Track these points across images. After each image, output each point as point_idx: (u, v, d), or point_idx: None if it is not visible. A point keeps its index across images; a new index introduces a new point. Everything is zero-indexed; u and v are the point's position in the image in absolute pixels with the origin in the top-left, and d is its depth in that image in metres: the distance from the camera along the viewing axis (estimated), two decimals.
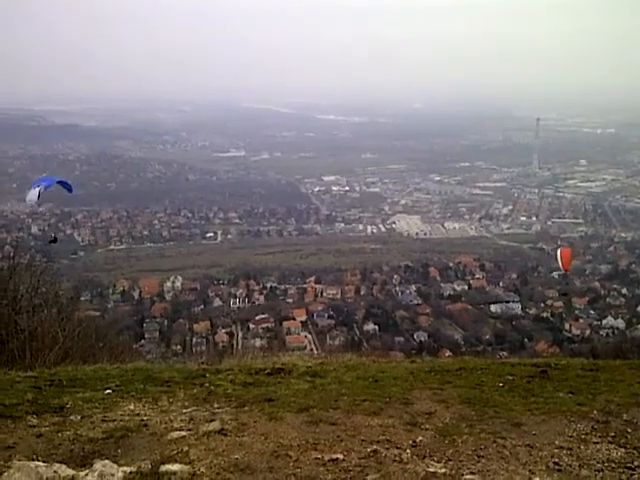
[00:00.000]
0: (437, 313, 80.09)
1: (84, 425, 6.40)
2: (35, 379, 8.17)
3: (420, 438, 6.00)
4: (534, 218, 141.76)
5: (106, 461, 5.24)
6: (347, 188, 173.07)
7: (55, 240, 14.85)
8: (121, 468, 5.09)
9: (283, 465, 5.37)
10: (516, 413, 6.71)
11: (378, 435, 6.07)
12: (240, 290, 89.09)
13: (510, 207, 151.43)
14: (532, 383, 7.93)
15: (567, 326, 76.36)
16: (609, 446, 5.91)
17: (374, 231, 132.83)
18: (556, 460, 5.58)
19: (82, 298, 67.59)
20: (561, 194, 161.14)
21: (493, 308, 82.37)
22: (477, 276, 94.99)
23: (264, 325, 75.83)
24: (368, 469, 5.30)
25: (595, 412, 6.76)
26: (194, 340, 70.85)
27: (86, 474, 4.98)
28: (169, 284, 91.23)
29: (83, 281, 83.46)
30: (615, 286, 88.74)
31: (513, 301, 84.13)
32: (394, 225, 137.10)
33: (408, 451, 5.69)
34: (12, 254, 17.85)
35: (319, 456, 5.53)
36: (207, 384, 7.92)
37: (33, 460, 5.32)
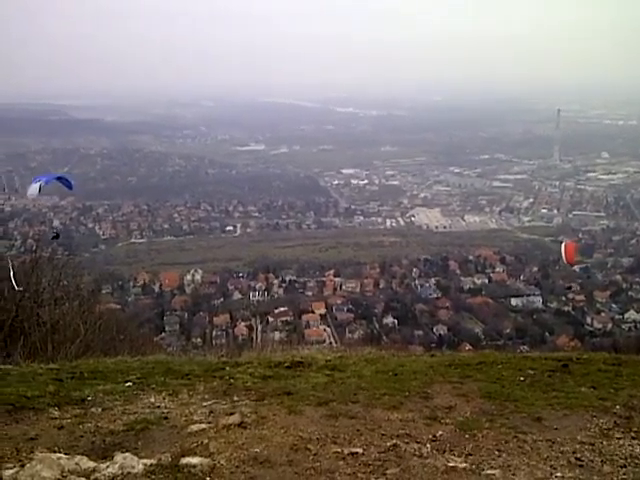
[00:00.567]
0: (457, 307, 79.61)
1: (105, 417, 6.45)
2: (57, 371, 8.24)
3: (440, 432, 5.97)
4: (555, 211, 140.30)
5: (127, 453, 5.28)
6: (366, 181, 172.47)
7: (57, 236, 14.95)
8: (141, 460, 5.13)
9: (302, 459, 5.37)
10: (537, 408, 6.65)
11: (398, 429, 6.05)
12: (259, 283, 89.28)
13: (531, 200, 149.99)
14: (553, 377, 7.85)
15: (589, 320, 75.60)
16: (632, 442, 5.84)
17: (393, 224, 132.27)
18: (578, 455, 5.52)
19: (103, 291, 68.01)
20: (582, 186, 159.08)
21: (514, 302, 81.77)
22: (497, 269, 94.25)
23: (283, 318, 75.91)
24: (388, 463, 5.28)
25: (617, 407, 6.69)
26: (214, 333, 71.14)
27: (107, 466, 5.02)
28: (189, 277, 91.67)
29: (104, 274, 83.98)
30: (637, 279, 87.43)
31: (534, 294, 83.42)
32: (413, 218, 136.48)
33: (428, 445, 5.67)
34: (34, 247, 18.07)
35: (338, 450, 5.52)
36: (227, 377, 7.94)
37: (55, 452, 5.37)
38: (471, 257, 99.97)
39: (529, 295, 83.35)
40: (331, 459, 5.36)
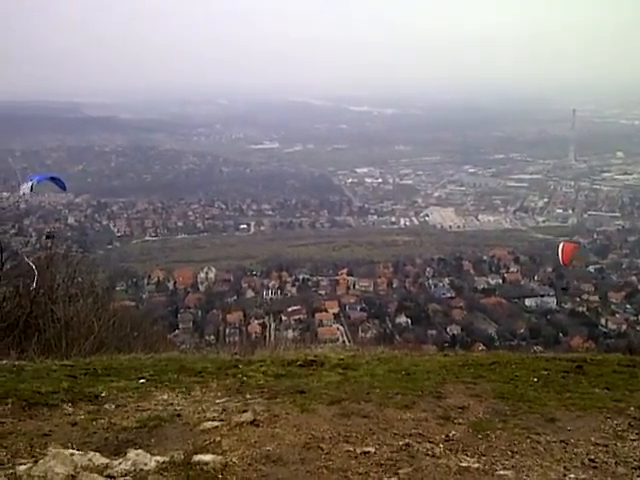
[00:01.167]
0: (470, 307, 79.38)
1: (118, 414, 6.47)
2: (71, 368, 8.29)
3: (453, 432, 5.94)
4: (570, 211, 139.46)
5: (139, 450, 5.29)
6: (380, 180, 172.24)
7: (52, 236, 15.11)
8: (154, 457, 5.14)
9: (315, 457, 5.36)
10: (551, 408, 6.61)
11: (410, 429, 6.02)
12: (273, 282, 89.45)
13: (546, 200, 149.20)
14: (567, 378, 7.79)
15: (603, 321, 75.05)
16: None
17: (407, 223, 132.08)
18: (592, 457, 5.47)
19: (117, 288, 68.39)
20: (597, 187, 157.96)
21: (528, 302, 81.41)
22: (512, 269, 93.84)
23: (296, 317, 76.04)
24: (400, 463, 5.26)
25: (632, 408, 6.62)
26: (227, 331, 71.42)
27: (119, 463, 5.03)
28: (203, 275, 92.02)
29: (118, 271, 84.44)
30: None
31: (548, 295, 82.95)
32: (427, 217, 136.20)
33: (441, 445, 5.64)
34: (49, 244, 18.19)
35: (351, 449, 5.51)
36: (240, 375, 7.95)
37: (68, 448, 5.40)
38: (485, 257, 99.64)
39: (543, 295, 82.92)
40: (343, 458, 5.35)
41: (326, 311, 78.49)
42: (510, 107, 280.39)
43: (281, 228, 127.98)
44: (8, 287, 14.15)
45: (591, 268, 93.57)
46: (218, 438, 5.73)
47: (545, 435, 5.91)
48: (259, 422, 6.15)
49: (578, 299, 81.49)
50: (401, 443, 5.65)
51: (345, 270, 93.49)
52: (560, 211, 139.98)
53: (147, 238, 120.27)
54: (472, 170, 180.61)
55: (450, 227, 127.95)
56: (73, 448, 5.42)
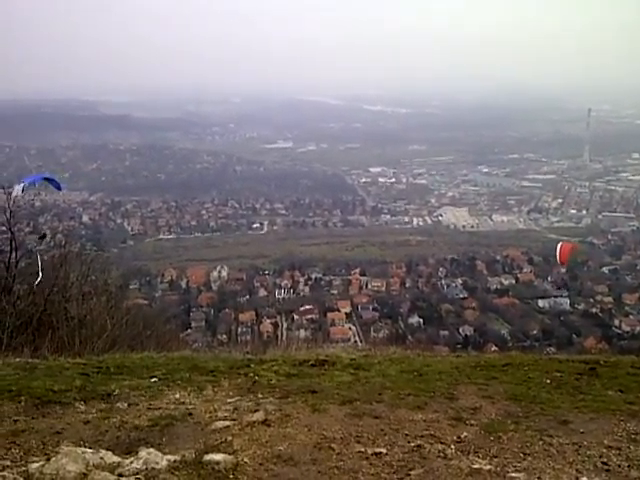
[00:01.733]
0: (483, 307, 79.08)
1: (130, 413, 6.50)
2: (83, 366, 8.33)
3: (465, 434, 5.91)
4: (584, 212, 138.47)
5: (151, 449, 5.31)
6: (393, 180, 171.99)
7: (44, 236, 15.13)
8: (165, 456, 5.15)
9: (326, 457, 5.36)
10: (563, 411, 6.56)
11: (422, 430, 6.00)
12: (285, 281, 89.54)
13: (560, 200, 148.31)
14: (580, 380, 7.73)
15: (617, 322, 74.50)
16: None
17: (420, 223, 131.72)
18: (604, 460, 5.43)
19: (131, 287, 68.65)
20: (612, 187, 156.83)
21: (541, 303, 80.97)
22: (525, 270, 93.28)
23: (308, 316, 76.03)
24: (412, 464, 5.24)
25: None
26: (239, 330, 71.50)
27: (131, 461, 5.05)
28: (216, 274, 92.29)
29: (132, 270, 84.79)
30: None
31: (561, 296, 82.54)
32: (441, 217, 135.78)
33: (452, 447, 5.62)
34: (63, 242, 18.32)
35: (362, 449, 5.50)
36: (251, 374, 7.95)
37: (80, 446, 5.43)
38: (498, 257, 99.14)
39: (556, 296, 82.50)
40: (355, 459, 5.34)
41: (338, 311, 78.46)
42: (525, 107, 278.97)
43: (294, 227, 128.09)
44: (22, 285, 14.25)
45: (605, 269, 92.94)
46: (229, 437, 5.74)
47: (558, 437, 5.87)
48: (270, 422, 6.15)
49: (592, 300, 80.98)
50: (413, 444, 5.64)
51: (358, 270, 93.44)
52: (574, 212, 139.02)
53: (161, 237, 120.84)
54: (486, 170, 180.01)
55: (463, 227, 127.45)
56: (85, 446, 5.45)
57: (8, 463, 5.11)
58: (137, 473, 4.90)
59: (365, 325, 73.86)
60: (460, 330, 71.75)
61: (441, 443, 5.69)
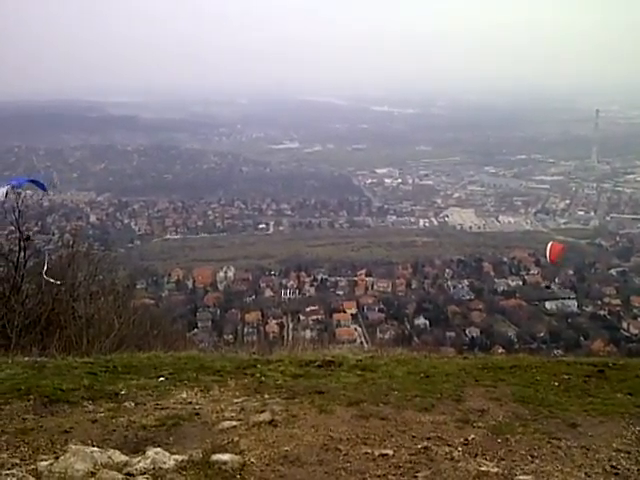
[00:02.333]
0: (490, 309, 78.81)
1: (138, 412, 6.52)
2: (91, 365, 8.35)
3: (472, 436, 5.90)
4: (592, 213, 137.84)
5: (158, 448, 5.33)
6: (400, 181, 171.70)
7: (28, 238, 15.17)
8: (173, 456, 5.17)
9: (333, 459, 5.36)
10: (572, 413, 6.53)
11: (429, 432, 5.99)
12: (291, 281, 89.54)
13: (567, 201, 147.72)
14: (589, 383, 7.69)
15: (625, 325, 74.21)
16: None
17: (426, 224, 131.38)
18: (613, 463, 5.41)
19: (138, 286, 68.68)
20: (620, 189, 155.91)
21: (548, 305, 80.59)
22: (532, 272, 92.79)
23: (314, 317, 76.05)
24: (419, 466, 5.24)
25: None
26: (245, 330, 71.62)
27: (139, 461, 5.07)
28: (222, 274, 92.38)
29: (139, 270, 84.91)
30: None
31: (569, 298, 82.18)
32: (447, 218, 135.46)
33: (460, 449, 5.61)
34: (71, 242, 18.35)
35: (369, 451, 5.50)
36: (258, 374, 7.96)
37: (88, 445, 5.45)
38: (505, 259, 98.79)
39: (564, 298, 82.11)
40: (361, 460, 5.34)
41: (344, 312, 78.39)
42: (532, 107, 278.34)
43: (300, 228, 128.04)
44: (31, 284, 14.31)
45: (613, 271, 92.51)
46: (236, 438, 5.75)
47: (566, 440, 5.85)
48: (277, 422, 6.16)
49: (599, 302, 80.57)
50: (420, 446, 5.63)
51: (364, 271, 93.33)
52: (582, 213, 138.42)
53: (167, 237, 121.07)
54: (493, 171, 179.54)
55: (470, 228, 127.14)
56: (93, 445, 5.48)
57: (17, 461, 5.14)
58: (145, 472, 4.92)
59: (371, 326, 73.78)
60: (466, 332, 71.57)
61: (448, 445, 5.69)
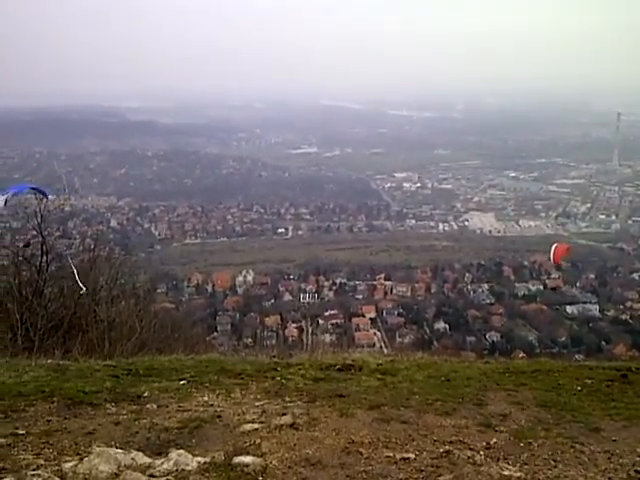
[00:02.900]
0: (510, 313, 78.34)
1: (160, 414, 6.56)
2: (113, 368, 8.43)
3: (494, 440, 5.86)
4: (614, 217, 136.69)
5: (181, 450, 5.36)
6: (419, 185, 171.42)
7: (28, 245, 15.29)
8: (195, 458, 5.20)
9: (354, 462, 5.35)
10: (595, 418, 6.47)
11: (451, 435, 5.97)
12: (310, 285, 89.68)
13: (588, 205, 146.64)
14: (612, 387, 7.61)
15: None
16: None
17: (446, 228, 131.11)
18: (637, 468, 5.34)
19: (158, 290, 69.30)
20: None
21: (569, 309, 79.98)
22: (553, 276, 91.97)
23: (333, 321, 76.08)
24: (441, 470, 5.22)
25: None
26: (264, 334, 71.85)
27: (162, 462, 5.10)
28: (241, 278, 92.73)
29: (159, 274, 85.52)
30: None
31: (590, 302, 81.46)
32: (467, 222, 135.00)
33: (482, 453, 5.58)
34: (93, 247, 18.55)
35: (390, 454, 5.49)
36: (279, 378, 7.98)
37: (111, 447, 5.50)
38: (526, 263, 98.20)
39: (585, 303, 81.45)
40: (383, 463, 5.33)
41: (363, 316, 78.32)
42: (552, 109, 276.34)
43: (319, 232, 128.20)
44: (53, 288, 14.46)
45: (635, 275, 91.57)
46: (258, 440, 5.77)
47: (589, 445, 5.80)
48: (298, 425, 6.16)
49: (621, 307, 79.84)
50: (441, 450, 5.60)
51: (383, 275, 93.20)
52: (603, 217, 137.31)
53: (187, 241, 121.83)
54: (513, 174, 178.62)
55: (490, 232, 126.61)
56: (116, 447, 5.52)
57: (42, 462, 5.19)
58: (168, 474, 4.96)
59: (390, 330, 73.67)
60: (487, 336, 71.24)
61: (470, 449, 5.66)
